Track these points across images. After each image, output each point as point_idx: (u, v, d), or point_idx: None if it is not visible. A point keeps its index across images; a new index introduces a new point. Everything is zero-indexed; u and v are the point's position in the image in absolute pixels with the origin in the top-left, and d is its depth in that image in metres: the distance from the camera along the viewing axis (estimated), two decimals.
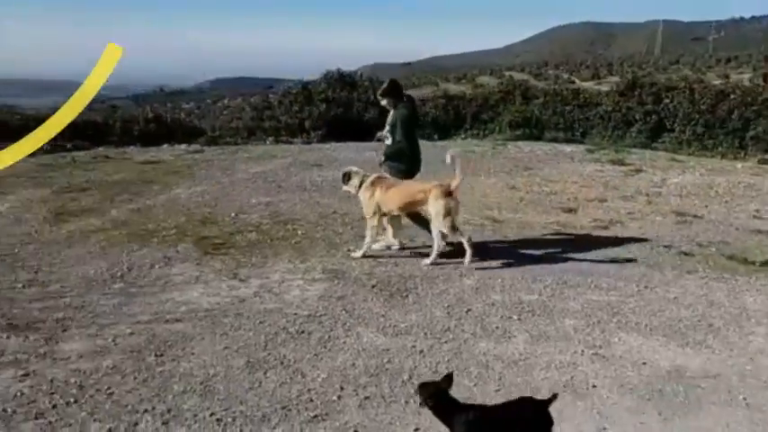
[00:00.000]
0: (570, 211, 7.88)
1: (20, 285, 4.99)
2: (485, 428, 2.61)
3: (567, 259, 5.90)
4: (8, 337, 3.99)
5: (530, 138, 15.56)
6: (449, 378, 2.67)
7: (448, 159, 5.99)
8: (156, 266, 5.56)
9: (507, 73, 66.46)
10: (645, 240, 6.58)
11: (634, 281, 5.27)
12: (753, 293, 5.08)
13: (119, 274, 5.30)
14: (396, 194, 5.95)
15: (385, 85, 6.53)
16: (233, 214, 7.58)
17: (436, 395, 2.61)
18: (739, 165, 12.06)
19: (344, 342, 4.02)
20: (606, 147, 13.79)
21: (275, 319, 4.37)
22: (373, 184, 6.05)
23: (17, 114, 21.93)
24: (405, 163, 6.35)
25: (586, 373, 3.72)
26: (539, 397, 2.93)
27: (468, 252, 5.65)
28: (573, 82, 54.81)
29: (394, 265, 5.67)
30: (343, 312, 4.50)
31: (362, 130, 14.95)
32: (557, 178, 10.02)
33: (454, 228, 5.73)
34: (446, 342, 4.05)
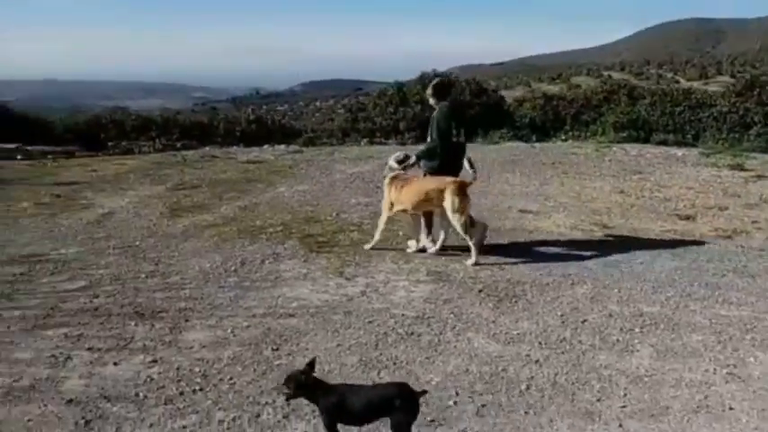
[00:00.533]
0: (688, 218, 7.38)
1: (143, 276, 5.29)
2: (346, 409, 2.69)
3: (688, 269, 5.50)
4: (136, 325, 4.23)
5: (636, 140, 14.79)
6: (311, 365, 2.79)
7: (466, 164, 6.06)
8: (267, 262, 5.72)
9: (606, 72, 63.73)
10: None
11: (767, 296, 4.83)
12: None
13: (232, 268, 5.50)
14: (408, 192, 5.97)
15: (432, 84, 6.50)
16: (334, 213, 7.70)
17: (298, 382, 2.72)
18: None
19: (455, 347, 3.94)
20: (722, 150, 12.83)
21: (384, 318, 4.35)
22: (391, 181, 6.13)
23: (132, 115, 23.57)
24: (437, 162, 6.15)
25: (721, 394, 3.42)
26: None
27: (474, 253, 5.64)
28: (678, 82, 51.72)
29: (499, 269, 5.52)
30: (452, 316, 4.42)
31: None
32: (669, 183, 9.43)
33: (466, 225, 5.72)
34: (563, 353, 3.87)
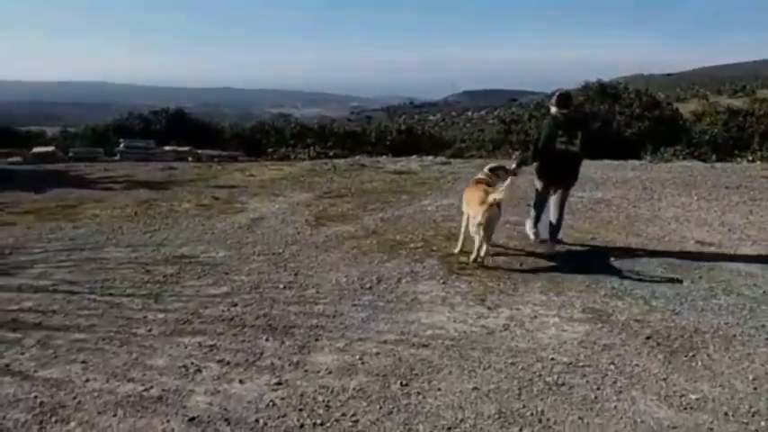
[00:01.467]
0: None
1: (281, 286, 5.23)
2: None
3: None
4: (267, 339, 4.11)
5: None
6: None
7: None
8: (404, 281, 5.41)
9: None
10: None
11: None
12: None
13: (368, 285, 5.26)
14: (467, 195, 6.32)
15: (556, 95, 6.62)
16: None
17: None
18: None
19: (615, 407, 3.29)
20: None
21: (529, 361, 3.81)
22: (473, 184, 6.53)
23: (292, 123, 24.91)
24: (536, 167, 6.55)
25: None
26: None
27: (473, 259, 5.83)
28: None
29: (673, 314, 4.68)
30: (612, 367, 3.75)
31: (622, 147, 13.53)
32: None
33: (487, 239, 5.79)
34: (756, 429, 3.06)
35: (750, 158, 13.42)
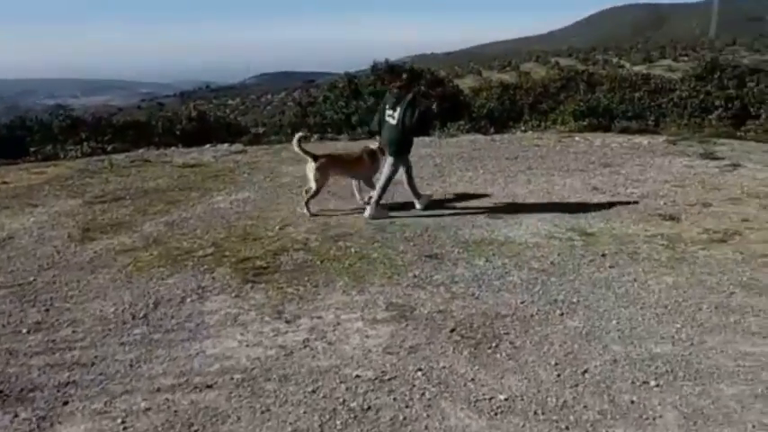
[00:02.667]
0: (672, 218, 6.63)
1: (24, 330, 4.14)
2: None
3: (688, 286, 4.71)
4: None
5: (597, 128, 14.15)
6: None
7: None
8: (188, 300, 4.65)
9: (554, 59, 63.96)
10: None
11: None
12: None
13: (142, 313, 4.40)
14: None
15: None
16: (277, 228, 6.65)
17: None
18: None
19: (426, 427, 2.99)
20: (688, 137, 12.28)
21: (332, 384, 3.37)
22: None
23: (60, 116, 21.64)
24: None
25: None
26: None
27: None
28: (623, 66, 52.19)
29: (474, 299, 4.59)
30: (419, 375, 3.47)
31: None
32: (643, 177, 8.71)
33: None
34: (567, 428, 2.96)
35: (523, 129, 14.65)
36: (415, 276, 5.11)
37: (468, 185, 8.45)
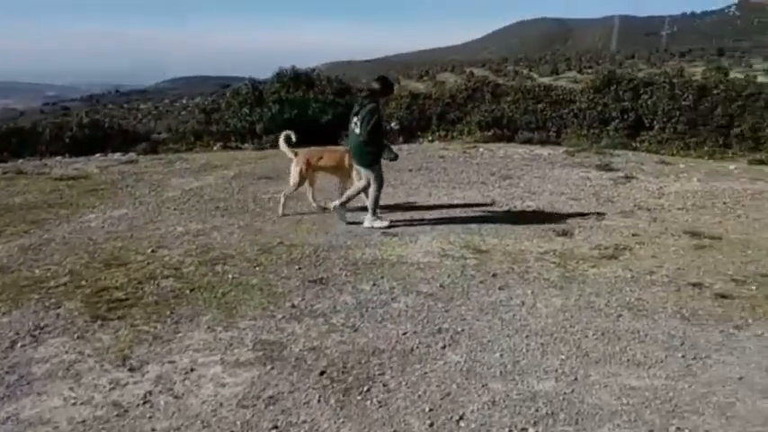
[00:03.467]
0: (565, 233, 6.54)
1: None
2: None
3: (576, 309, 4.54)
4: None
5: (501, 139, 14.27)
6: None
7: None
8: (19, 345, 3.96)
9: (468, 69, 65.66)
10: (665, 275, 5.28)
11: (675, 347, 3.92)
12: None
13: None
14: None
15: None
16: (149, 250, 6.00)
17: None
18: (732, 166, 10.99)
19: None
20: (586, 148, 12.57)
21: None
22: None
23: None
24: None
25: None
26: None
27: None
28: (533, 78, 54.24)
29: (352, 331, 4.19)
30: None
31: (320, 134, 13.43)
32: (540, 189, 8.70)
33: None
34: None
35: (430, 139, 14.54)
36: (293, 306, 4.65)
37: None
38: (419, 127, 15.57)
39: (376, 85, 6.82)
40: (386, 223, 6.76)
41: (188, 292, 4.95)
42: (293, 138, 7.58)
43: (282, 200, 7.31)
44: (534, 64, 74.92)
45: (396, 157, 7.03)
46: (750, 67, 54.04)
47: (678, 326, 4.22)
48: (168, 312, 4.53)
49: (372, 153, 6.66)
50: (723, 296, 4.78)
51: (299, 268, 5.48)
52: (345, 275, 5.28)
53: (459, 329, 4.20)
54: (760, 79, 22.49)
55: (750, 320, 4.33)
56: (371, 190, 6.78)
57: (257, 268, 5.51)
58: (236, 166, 10.52)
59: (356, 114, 6.70)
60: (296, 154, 7.35)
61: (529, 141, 13.95)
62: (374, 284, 5.08)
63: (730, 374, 3.55)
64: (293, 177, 7.28)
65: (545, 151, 12.29)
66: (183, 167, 10.92)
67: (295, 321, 4.37)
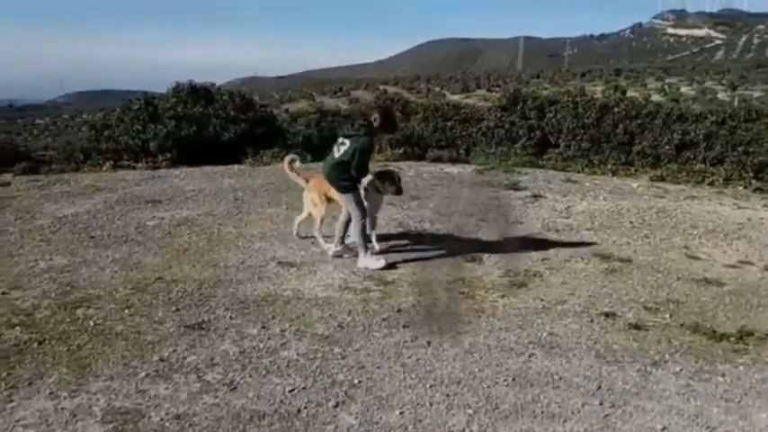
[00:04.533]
0: (474, 259, 6.16)
1: None
2: None
3: (486, 351, 4.11)
4: None
5: (412, 157, 13.98)
6: None
7: None
8: None
9: (382, 87, 66.15)
10: (577, 305, 4.99)
11: (592, 392, 3.56)
12: (755, 400, 3.55)
13: None
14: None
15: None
16: (0, 292, 5.07)
17: None
18: (635, 184, 11.21)
19: None
20: (496, 167, 12.50)
21: None
22: None
23: None
24: None
25: None
26: None
27: None
28: (444, 95, 55.38)
29: (229, 390, 3.54)
30: None
31: (221, 153, 12.58)
32: (449, 210, 8.36)
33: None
34: None
35: None
36: (162, 360, 3.94)
37: (266, 224, 7.43)
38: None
39: (376, 117, 6.11)
40: (381, 263, 5.78)
41: (35, 345, 4.11)
42: (298, 163, 6.88)
43: (319, 238, 6.38)
44: (446, 82, 76.60)
45: (399, 191, 6.33)
46: (645, 86, 57.83)
47: (594, 365, 3.88)
48: (5, 374, 3.70)
49: (348, 180, 5.91)
50: (637, 327, 4.53)
51: (177, 310, 4.76)
52: (230, 317, 4.62)
53: (357, 381, 3.66)
54: (654, 98, 23.71)
55: (666, 355, 4.06)
56: (352, 222, 5.98)
57: (126, 311, 4.74)
58: (122, 189, 9.51)
59: (347, 137, 5.95)
60: (307, 180, 6.62)
61: (439, 159, 13.75)
62: (263, 327, 4.45)
63: (652, 424, 3.22)
64: (309, 208, 6.53)
65: (455, 169, 12.10)
66: (62, 190, 9.75)
67: (161, 380, 3.66)
